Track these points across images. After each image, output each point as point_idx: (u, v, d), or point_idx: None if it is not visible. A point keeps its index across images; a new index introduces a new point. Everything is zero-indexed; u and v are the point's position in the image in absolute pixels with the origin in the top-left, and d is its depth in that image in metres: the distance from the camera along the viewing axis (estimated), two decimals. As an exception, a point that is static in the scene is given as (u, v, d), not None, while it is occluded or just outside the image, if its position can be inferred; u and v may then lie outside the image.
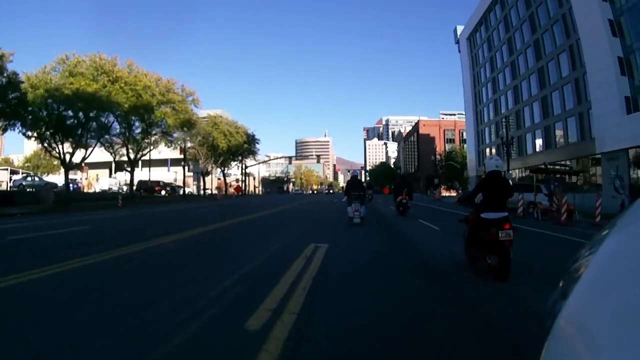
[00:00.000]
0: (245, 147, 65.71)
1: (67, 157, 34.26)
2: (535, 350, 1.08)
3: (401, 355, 3.54)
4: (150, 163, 57.46)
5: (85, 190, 56.99)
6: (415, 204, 33.36)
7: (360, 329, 4.10)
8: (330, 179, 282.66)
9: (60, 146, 33.76)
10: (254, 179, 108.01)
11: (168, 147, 45.72)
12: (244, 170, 76.86)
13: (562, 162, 37.08)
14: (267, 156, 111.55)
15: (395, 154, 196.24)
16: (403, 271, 7.33)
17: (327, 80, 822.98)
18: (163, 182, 60.16)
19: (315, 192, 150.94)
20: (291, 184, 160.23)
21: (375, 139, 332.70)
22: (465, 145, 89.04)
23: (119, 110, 34.59)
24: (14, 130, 32.25)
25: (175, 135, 47.45)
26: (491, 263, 6.58)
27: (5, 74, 28.98)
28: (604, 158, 37.59)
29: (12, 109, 30.04)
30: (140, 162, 54.79)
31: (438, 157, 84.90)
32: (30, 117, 31.86)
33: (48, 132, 32.97)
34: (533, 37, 51.76)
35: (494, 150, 63.08)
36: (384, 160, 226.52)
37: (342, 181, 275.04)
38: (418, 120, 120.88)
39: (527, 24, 53.42)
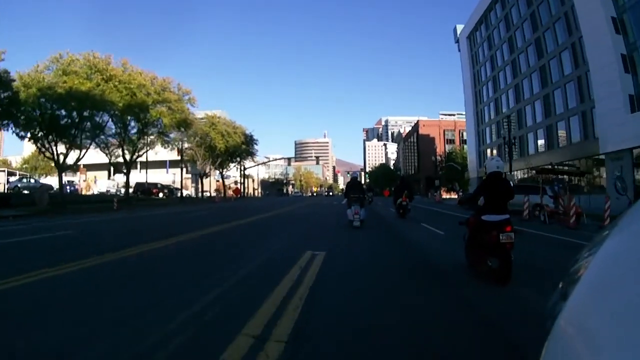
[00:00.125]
0: (244, 148, 64.85)
1: (61, 158, 33.55)
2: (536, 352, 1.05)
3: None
4: (147, 165, 56.78)
5: (84, 192, 56.51)
6: (416, 207, 32.77)
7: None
8: (330, 180, 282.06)
9: (54, 147, 33.06)
10: (253, 181, 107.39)
11: (164, 147, 44.96)
12: (242, 172, 76.13)
13: (569, 163, 36.36)
14: (267, 157, 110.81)
15: (395, 155, 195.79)
16: (412, 289, 6.17)
17: (326, 81, 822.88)
18: (161, 184, 59.44)
19: (314, 194, 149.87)
20: (291, 186, 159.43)
21: (375, 140, 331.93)
22: (465, 146, 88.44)
23: (113, 109, 33.84)
24: (7, 130, 31.72)
25: (172, 135, 46.88)
26: (492, 266, 6.45)
27: (-5, 73, 28.32)
28: (608, 158, 36.85)
29: (4, 109, 29.32)
30: (138, 164, 54.30)
31: (439, 157, 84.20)
32: (23, 117, 31.22)
33: (41, 133, 32.24)
34: (534, 35, 51.11)
35: (495, 151, 62.52)
36: (384, 161, 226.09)
37: (341, 183, 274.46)
38: (418, 121, 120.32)
39: (528, 22, 52.78)
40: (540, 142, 51.36)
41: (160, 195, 55.57)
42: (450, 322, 4.53)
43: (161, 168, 70.06)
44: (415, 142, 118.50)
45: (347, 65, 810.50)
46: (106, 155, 40.16)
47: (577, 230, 16.32)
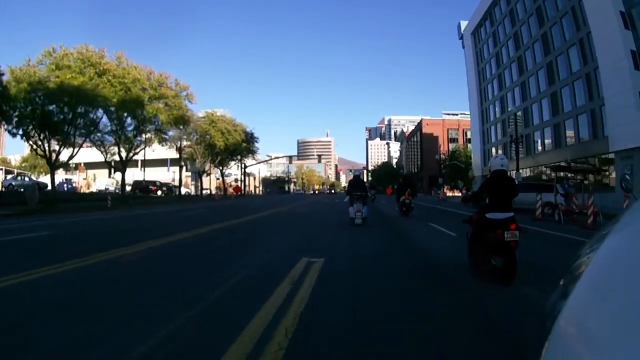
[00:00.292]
0: (244, 145, 63.68)
1: (54, 155, 32.57)
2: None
3: None
4: (145, 163, 56.05)
5: (84, 191, 55.83)
6: (421, 205, 31.93)
7: None
8: (332, 179, 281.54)
9: (46, 144, 32.07)
10: (255, 179, 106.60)
11: (162, 145, 43.90)
12: (243, 170, 75.19)
13: (583, 160, 35.29)
14: (269, 156, 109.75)
15: (398, 154, 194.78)
16: (432, 321, 4.61)
17: (328, 80, 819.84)
18: (159, 182, 58.63)
19: (316, 192, 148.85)
20: (292, 184, 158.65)
21: (378, 139, 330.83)
22: (469, 145, 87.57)
23: (106, 104, 32.73)
24: (-2, 127, 30.85)
25: (170, 133, 45.98)
26: (496, 265, 6.36)
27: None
28: (618, 157, 35.93)
29: (-6, 104, 28.32)
30: (139, 162, 53.55)
31: (442, 156, 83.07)
32: (16, 113, 30.27)
33: (33, 129, 31.23)
34: (541, 30, 49.89)
35: (500, 150, 61.37)
36: (386, 160, 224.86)
37: (343, 181, 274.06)
38: (421, 120, 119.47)
39: (534, 17, 51.53)
40: (548, 140, 50.20)
41: (159, 193, 54.81)
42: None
43: (162, 166, 69.46)
44: (419, 140, 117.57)
45: (350, 64, 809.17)
46: (102, 153, 39.07)
47: (596, 230, 15.16)
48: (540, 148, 52.39)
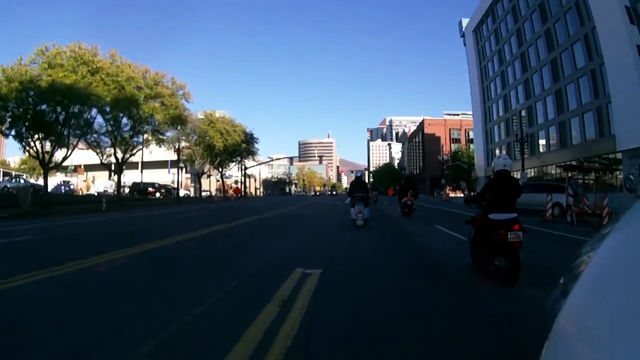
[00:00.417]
0: (244, 146, 62.68)
1: (46, 156, 31.76)
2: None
3: None
4: (146, 165, 55.40)
5: (84, 193, 55.31)
6: (424, 206, 31.12)
7: None
8: (334, 180, 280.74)
9: (38, 145, 31.27)
10: (255, 180, 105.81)
11: (159, 146, 43.04)
12: (243, 172, 74.32)
13: (595, 159, 34.41)
14: (270, 157, 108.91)
15: (399, 155, 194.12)
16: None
17: (329, 81, 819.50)
18: (158, 184, 57.94)
19: (318, 193, 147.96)
20: (294, 186, 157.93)
21: (379, 140, 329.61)
22: (471, 145, 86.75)
23: (99, 103, 31.85)
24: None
25: (168, 134, 45.19)
26: (499, 266, 6.23)
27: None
28: (625, 156, 35.06)
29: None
30: (139, 164, 52.81)
31: (445, 156, 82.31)
32: (9, 113, 29.51)
33: (25, 129, 30.41)
34: (544, 26, 49.03)
35: (504, 149, 60.44)
36: (388, 161, 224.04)
37: (345, 182, 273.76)
38: (423, 120, 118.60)
39: (537, 13, 50.72)
40: (553, 140, 49.33)
41: (158, 195, 54.07)
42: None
43: (164, 168, 68.88)
44: (421, 141, 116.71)
45: (350, 65, 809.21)
46: (97, 154, 38.22)
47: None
48: (544, 148, 51.53)
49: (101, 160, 39.04)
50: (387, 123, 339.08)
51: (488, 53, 68.30)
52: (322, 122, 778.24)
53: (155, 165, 67.20)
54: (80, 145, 36.99)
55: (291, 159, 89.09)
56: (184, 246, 10.41)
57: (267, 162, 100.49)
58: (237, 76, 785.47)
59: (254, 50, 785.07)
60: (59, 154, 34.01)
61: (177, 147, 48.96)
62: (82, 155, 51.69)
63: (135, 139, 39.16)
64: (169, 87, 38.48)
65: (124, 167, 55.48)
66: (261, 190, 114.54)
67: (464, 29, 77.43)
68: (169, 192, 56.49)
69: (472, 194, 53.20)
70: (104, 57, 34.12)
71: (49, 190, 42.17)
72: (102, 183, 61.59)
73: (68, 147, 33.47)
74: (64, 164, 36.13)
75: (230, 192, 65.95)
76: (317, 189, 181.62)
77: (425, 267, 7.81)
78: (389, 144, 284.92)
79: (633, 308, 0.84)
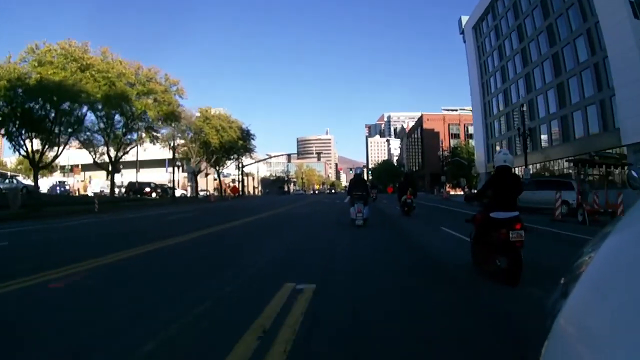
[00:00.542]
0: (240, 143, 61.72)
1: (36, 155, 31.13)
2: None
3: None
4: (143, 164, 54.76)
5: (81, 193, 54.52)
6: (425, 204, 30.42)
7: None
8: (333, 178, 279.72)
9: (29, 143, 30.58)
10: (254, 179, 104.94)
11: (153, 143, 42.25)
12: (241, 170, 73.37)
13: (607, 152, 33.60)
14: (268, 155, 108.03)
15: (398, 151, 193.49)
16: None
17: (327, 78, 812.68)
18: (154, 184, 56.79)
19: (316, 192, 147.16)
20: (292, 184, 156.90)
21: (377, 136, 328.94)
22: (471, 141, 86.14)
23: (89, 100, 31.07)
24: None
25: (163, 131, 44.45)
26: (501, 265, 6.09)
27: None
28: (630, 150, 34.58)
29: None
30: (137, 163, 52.10)
31: (445, 152, 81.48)
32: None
33: (14, 128, 29.67)
34: (546, 22, 48.37)
35: (504, 144, 59.78)
36: (387, 157, 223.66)
37: (344, 180, 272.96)
38: (421, 115, 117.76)
39: (538, 9, 50.03)
40: (555, 134, 48.64)
41: (154, 195, 53.07)
42: None
43: (161, 167, 68.04)
44: (420, 137, 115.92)
45: (348, 62, 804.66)
46: (90, 153, 37.43)
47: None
48: (547, 142, 50.94)
49: (94, 159, 38.24)
50: (385, 119, 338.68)
51: (488, 49, 67.63)
52: (320, 119, 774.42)
53: (153, 164, 66.42)
54: (76, 144, 36.41)
55: (289, 155, 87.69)
56: (166, 253, 9.31)
57: (264, 159, 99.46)
58: (236, 75, 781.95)
59: (252, 49, 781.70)
60: (55, 154, 33.37)
61: (172, 144, 48.01)
62: (80, 155, 50.98)
63: (129, 137, 38.48)
64: (162, 83, 37.85)
65: (120, 167, 55.14)
66: (259, 189, 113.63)
67: (463, 26, 76.76)
68: (165, 192, 55.38)
69: (472, 191, 52.58)
70: (95, 54, 33.48)
71: (45, 191, 41.74)
72: (98, 183, 60.66)
73: (59, 146, 32.79)
74: (62, 164, 35.63)
75: (228, 191, 65.06)
76: (316, 187, 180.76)
77: (440, 282, 6.83)
78: (388, 140, 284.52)
79: (634, 309, 0.84)
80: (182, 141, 54.05)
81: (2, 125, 29.59)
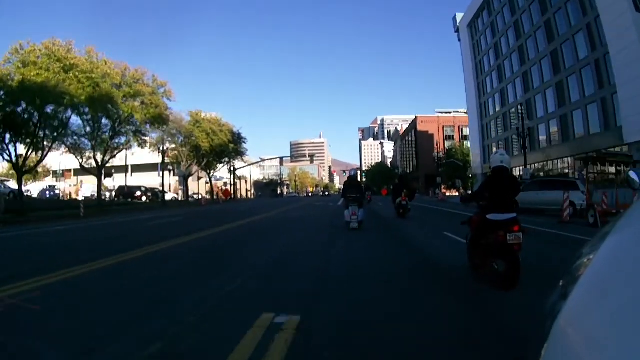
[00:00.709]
0: (232, 147, 60.47)
1: (21, 160, 29.91)
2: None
3: None
4: (127, 168, 53.65)
5: (73, 197, 53.22)
6: (420, 206, 29.60)
7: None
8: (326, 180, 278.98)
9: (12, 147, 29.41)
10: (246, 182, 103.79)
11: (142, 147, 40.97)
12: (233, 173, 72.15)
13: (617, 151, 32.80)
14: (261, 158, 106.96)
15: (392, 154, 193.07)
16: None
17: (320, 81, 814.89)
18: (145, 188, 55.72)
19: (310, 194, 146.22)
20: (286, 187, 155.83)
21: (371, 139, 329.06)
22: (465, 142, 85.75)
23: (72, 102, 29.77)
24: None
25: (153, 135, 43.24)
26: (498, 269, 5.87)
27: None
28: (633, 149, 33.42)
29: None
30: (129, 167, 50.92)
31: (440, 154, 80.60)
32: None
33: (-2, 132, 28.46)
34: (543, 17, 47.57)
35: (501, 145, 59.01)
36: (380, 160, 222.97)
37: (337, 183, 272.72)
38: (415, 117, 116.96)
39: (536, 4, 49.21)
40: (554, 133, 47.87)
41: (144, 199, 51.98)
42: None
43: (154, 171, 66.96)
44: (414, 139, 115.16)
45: (341, 65, 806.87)
46: (76, 157, 36.10)
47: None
48: (546, 142, 50.17)
49: (81, 164, 36.89)
50: (379, 122, 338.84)
51: (484, 47, 66.92)
52: (313, 122, 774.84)
53: (147, 169, 65.45)
54: (65, 149, 35.19)
55: (281, 159, 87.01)
56: (131, 268, 7.84)
57: (256, 162, 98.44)
58: (228, 78, 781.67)
59: (245, 53, 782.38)
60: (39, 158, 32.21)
61: (161, 148, 46.80)
62: (72, 159, 50.07)
63: (116, 141, 37.15)
64: (149, 85, 36.48)
65: (113, 171, 53.88)
66: (252, 192, 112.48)
67: (458, 24, 76.20)
68: (156, 195, 54.20)
69: (468, 192, 51.58)
70: (80, 54, 32.23)
71: (35, 195, 40.22)
72: (90, 188, 59.65)
73: (43, 150, 31.54)
74: (53, 168, 34.28)
75: (220, 194, 63.98)
76: (310, 189, 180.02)
77: (446, 291, 5.76)
78: (381, 143, 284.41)
79: (634, 310, 0.84)
80: (173, 145, 52.73)
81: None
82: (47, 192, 52.15)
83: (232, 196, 68.57)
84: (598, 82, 39.09)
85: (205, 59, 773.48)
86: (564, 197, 17.79)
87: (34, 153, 31.70)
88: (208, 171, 62.38)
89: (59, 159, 55.59)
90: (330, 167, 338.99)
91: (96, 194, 52.47)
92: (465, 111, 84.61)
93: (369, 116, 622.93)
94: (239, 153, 64.92)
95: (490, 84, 64.81)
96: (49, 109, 29.76)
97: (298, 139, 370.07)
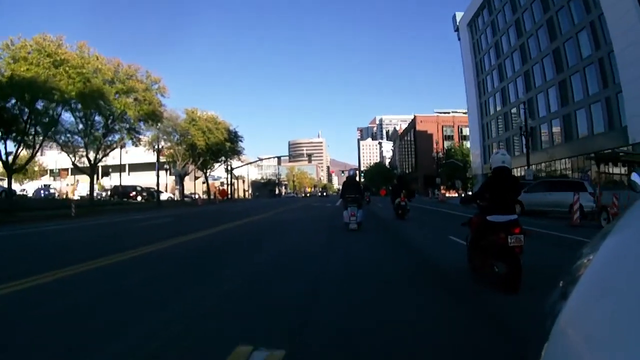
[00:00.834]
0: (228, 145, 59.81)
1: (10, 157, 29.42)
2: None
3: None
4: (121, 167, 53.01)
5: (70, 196, 52.49)
6: (420, 207, 29.19)
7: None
8: (324, 180, 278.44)
9: (1, 145, 28.98)
10: (244, 182, 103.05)
11: (136, 145, 40.26)
12: (230, 173, 71.41)
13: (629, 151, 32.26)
14: (259, 158, 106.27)
15: (390, 154, 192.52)
16: None
17: (319, 81, 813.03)
18: (140, 187, 54.97)
19: (308, 195, 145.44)
20: (284, 187, 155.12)
21: (369, 139, 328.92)
22: (465, 143, 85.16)
23: (63, 98, 29.08)
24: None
25: (148, 133, 42.51)
26: (499, 272, 5.73)
27: None
28: (639, 149, 32.67)
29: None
30: (127, 166, 50.22)
31: (440, 154, 79.97)
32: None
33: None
34: (546, 15, 46.92)
35: (502, 145, 58.34)
36: (379, 160, 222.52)
37: (336, 183, 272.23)
38: (414, 117, 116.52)
39: (537, 2, 48.54)
40: (556, 134, 47.19)
41: (139, 198, 51.23)
42: None
43: (152, 170, 66.30)
44: (412, 139, 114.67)
45: (339, 64, 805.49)
46: (68, 155, 35.36)
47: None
48: (548, 142, 49.56)
49: (73, 162, 36.11)
50: (378, 122, 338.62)
51: (484, 46, 66.30)
52: (312, 122, 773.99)
53: (145, 168, 64.83)
54: (56, 146, 34.63)
55: (279, 158, 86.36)
56: (99, 279, 6.68)
57: (253, 162, 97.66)
58: (227, 78, 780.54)
59: (241, 52, 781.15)
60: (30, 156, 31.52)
61: (156, 147, 46.05)
62: (68, 158, 49.68)
63: (109, 138, 36.45)
64: (143, 81, 35.77)
65: (110, 170, 53.12)
66: (250, 192, 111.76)
67: (458, 23, 75.60)
68: (152, 195, 53.39)
69: (468, 193, 50.86)
70: (72, 49, 31.55)
71: (30, 194, 39.50)
72: (86, 187, 58.98)
73: (34, 148, 30.83)
74: (50, 167, 33.61)
75: (217, 194, 63.30)
76: (308, 190, 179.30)
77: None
78: (380, 143, 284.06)
79: (634, 309, 0.85)
80: (168, 144, 52.00)
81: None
82: (42, 192, 51.49)
83: (229, 196, 67.80)
84: (602, 81, 38.46)
85: (204, 58, 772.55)
86: (574, 199, 16.95)
87: (25, 150, 31.11)
88: (204, 170, 61.62)
89: (55, 157, 54.84)
90: (328, 167, 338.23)
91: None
92: (465, 111, 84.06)
93: (368, 116, 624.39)
94: (236, 152, 64.37)
95: (491, 83, 64.19)
96: (40, 105, 29.22)
97: (296, 139, 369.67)
